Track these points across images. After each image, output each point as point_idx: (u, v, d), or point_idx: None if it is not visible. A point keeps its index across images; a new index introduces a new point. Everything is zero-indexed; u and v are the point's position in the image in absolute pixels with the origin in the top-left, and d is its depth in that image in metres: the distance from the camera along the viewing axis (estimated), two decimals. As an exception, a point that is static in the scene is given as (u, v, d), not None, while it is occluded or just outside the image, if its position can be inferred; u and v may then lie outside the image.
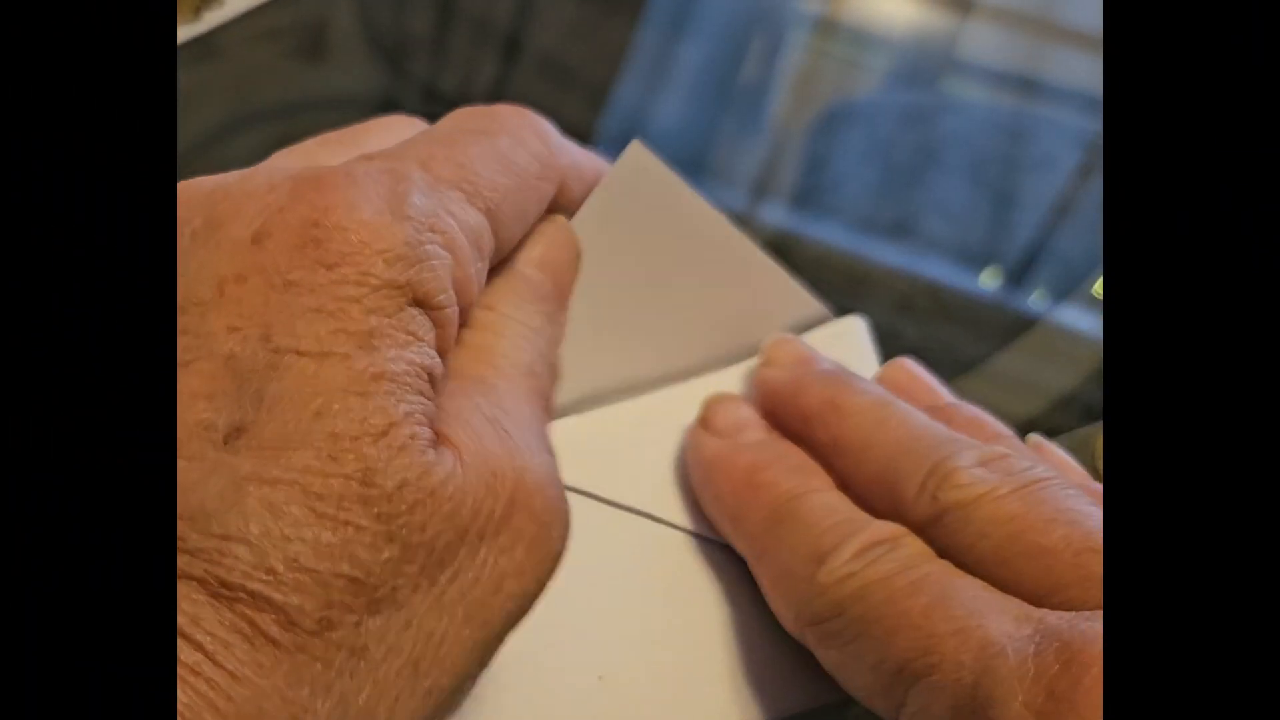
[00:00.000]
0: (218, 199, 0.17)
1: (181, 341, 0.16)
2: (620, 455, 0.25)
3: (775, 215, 0.39)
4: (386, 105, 0.40)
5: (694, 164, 0.39)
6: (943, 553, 0.21)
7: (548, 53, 0.44)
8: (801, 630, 0.22)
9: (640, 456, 0.26)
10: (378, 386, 0.16)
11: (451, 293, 0.18)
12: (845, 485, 0.23)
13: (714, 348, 0.27)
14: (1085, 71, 0.47)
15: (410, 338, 0.17)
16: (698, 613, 0.24)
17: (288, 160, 0.20)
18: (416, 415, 0.16)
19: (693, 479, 0.25)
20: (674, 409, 0.26)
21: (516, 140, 0.21)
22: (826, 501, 0.23)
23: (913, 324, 0.35)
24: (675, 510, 0.25)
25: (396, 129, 0.22)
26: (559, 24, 0.45)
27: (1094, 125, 0.46)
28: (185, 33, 0.40)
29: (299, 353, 0.16)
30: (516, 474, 0.17)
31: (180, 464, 0.15)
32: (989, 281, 0.39)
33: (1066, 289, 0.39)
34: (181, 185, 0.18)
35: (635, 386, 0.27)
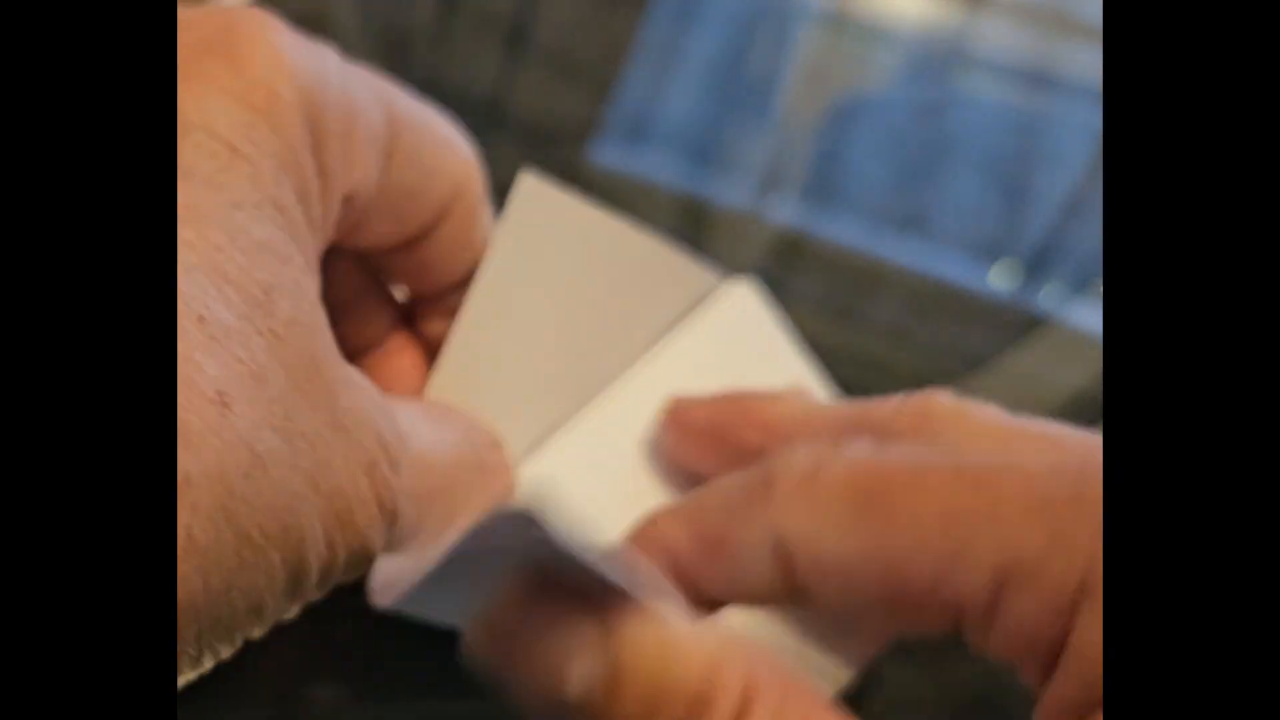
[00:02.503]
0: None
1: None
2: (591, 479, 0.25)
3: (785, 211, 0.39)
4: (388, 99, 0.40)
5: (702, 158, 0.39)
6: None
7: (553, 45, 0.43)
8: (772, 558, 0.19)
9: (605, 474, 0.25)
10: None
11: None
12: None
13: (632, 345, 0.27)
14: (1097, 66, 0.47)
15: None
16: None
17: None
18: None
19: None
20: (612, 420, 0.26)
21: None
22: (741, 471, 0.20)
23: (924, 321, 0.35)
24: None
25: None
26: (564, 15, 0.45)
27: (1106, 121, 0.45)
28: (184, 24, 0.40)
29: None
30: None
31: None
32: (1001, 278, 0.38)
33: (1079, 285, 0.39)
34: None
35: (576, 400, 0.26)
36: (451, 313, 0.23)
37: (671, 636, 0.15)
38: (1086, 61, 0.47)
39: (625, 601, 0.15)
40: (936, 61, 0.46)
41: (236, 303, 0.15)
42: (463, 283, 0.23)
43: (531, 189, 0.23)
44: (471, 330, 0.23)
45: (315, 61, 0.19)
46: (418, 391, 0.24)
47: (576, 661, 0.15)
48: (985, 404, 0.20)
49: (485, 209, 0.23)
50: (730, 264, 0.31)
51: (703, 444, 0.24)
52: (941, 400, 0.20)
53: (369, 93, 0.20)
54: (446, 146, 0.21)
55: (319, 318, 0.17)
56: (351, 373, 0.18)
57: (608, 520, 0.24)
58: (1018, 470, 0.17)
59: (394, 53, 0.42)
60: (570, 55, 0.43)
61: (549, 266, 0.24)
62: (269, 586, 0.15)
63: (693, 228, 0.36)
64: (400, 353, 0.24)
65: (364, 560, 0.18)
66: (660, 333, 0.27)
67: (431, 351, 0.24)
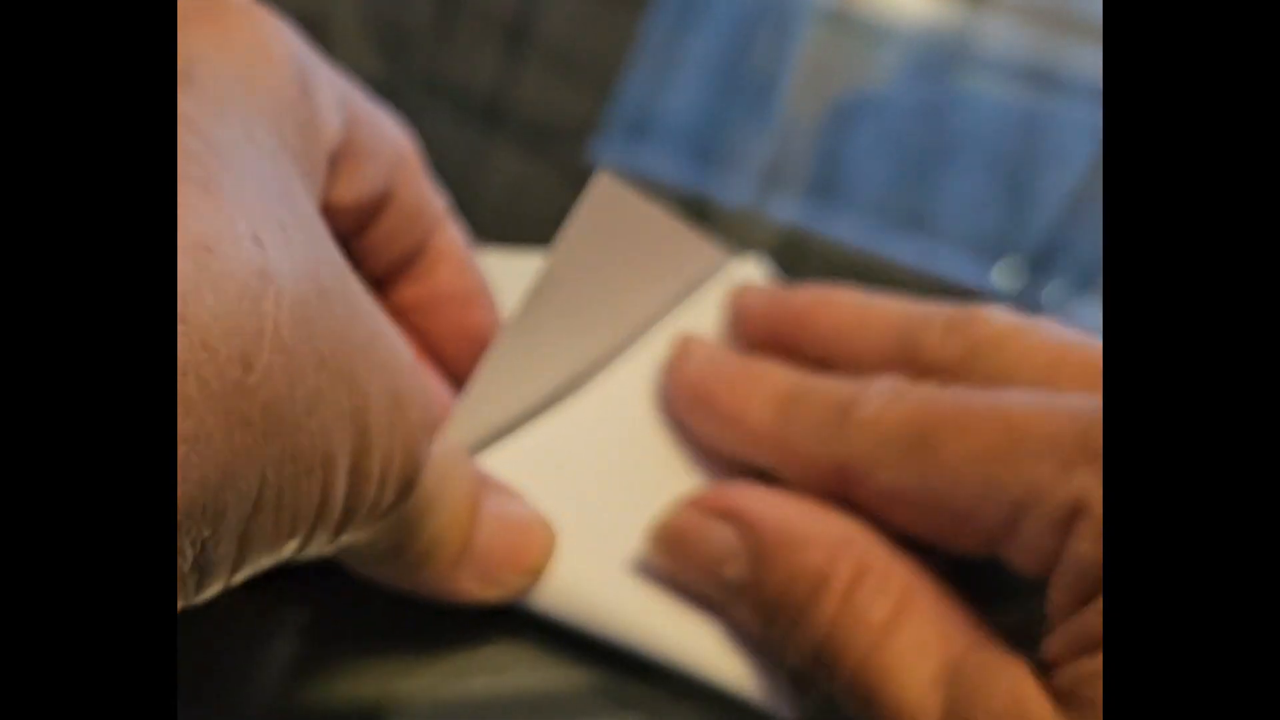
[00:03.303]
0: None
1: None
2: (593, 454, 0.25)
3: (787, 209, 0.39)
4: (388, 97, 0.40)
5: (704, 156, 0.39)
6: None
7: (553, 43, 0.43)
8: (836, 473, 0.22)
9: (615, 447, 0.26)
10: None
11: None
12: (847, 369, 0.24)
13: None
14: (1099, 65, 0.47)
15: None
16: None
17: None
18: None
19: (679, 402, 0.25)
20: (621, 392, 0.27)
21: None
22: (831, 382, 0.23)
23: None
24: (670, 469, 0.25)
25: None
26: (565, 14, 0.45)
27: (1108, 119, 0.45)
28: (183, 23, 0.40)
29: None
30: None
31: None
32: (1004, 276, 0.38)
33: (1082, 284, 0.39)
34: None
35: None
36: (417, 279, 0.25)
37: (797, 531, 0.20)
38: (1089, 60, 0.47)
39: (756, 503, 0.21)
40: (939, 60, 0.46)
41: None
42: (418, 252, 0.25)
43: (606, 188, 0.24)
44: (533, 312, 0.24)
45: (289, 31, 0.20)
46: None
47: (729, 560, 0.21)
48: (1034, 323, 0.22)
49: (428, 182, 0.24)
50: (733, 262, 0.31)
51: (760, 335, 0.27)
52: (990, 323, 0.23)
53: (321, 63, 0.21)
54: (382, 113, 0.23)
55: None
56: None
57: (627, 467, 0.25)
58: (1045, 410, 0.19)
59: (394, 51, 0.42)
60: (572, 53, 0.43)
61: (615, 261, 0.26)
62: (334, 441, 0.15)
63: (695, 226, 0.36)
64: None
65: (406, 485, 0.17)
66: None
67: (402, 318, 0.25)
